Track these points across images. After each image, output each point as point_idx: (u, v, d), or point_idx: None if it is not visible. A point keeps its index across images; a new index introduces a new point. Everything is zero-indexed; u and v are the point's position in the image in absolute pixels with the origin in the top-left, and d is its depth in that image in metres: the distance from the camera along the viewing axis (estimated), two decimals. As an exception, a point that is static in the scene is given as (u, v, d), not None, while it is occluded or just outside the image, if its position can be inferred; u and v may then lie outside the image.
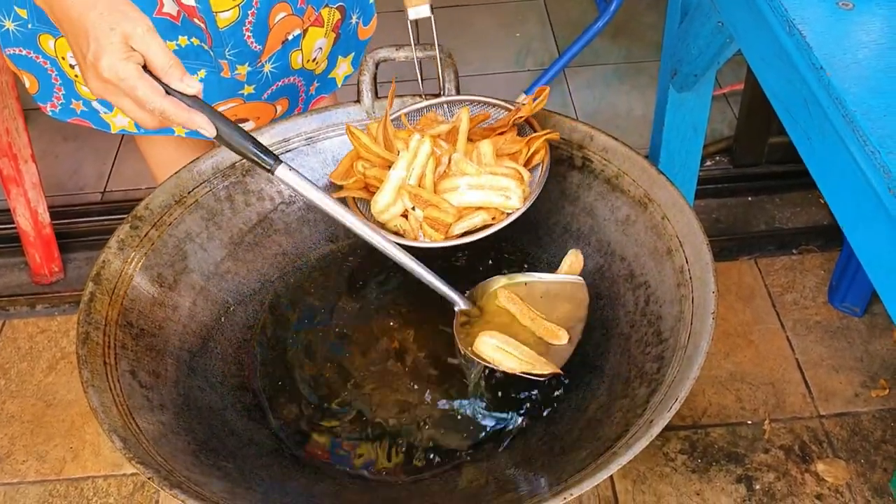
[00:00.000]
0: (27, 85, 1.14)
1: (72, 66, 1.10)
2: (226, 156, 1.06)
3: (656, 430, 0.73)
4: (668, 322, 0.86)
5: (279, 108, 1.18)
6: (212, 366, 0.95)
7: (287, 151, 1.09)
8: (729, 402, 1.52)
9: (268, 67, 1.11)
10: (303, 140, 1.10)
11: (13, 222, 1.78)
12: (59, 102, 1.15)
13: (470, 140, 1.00)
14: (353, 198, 1.00)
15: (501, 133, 1.02)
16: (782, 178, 1.86)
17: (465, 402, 0.91)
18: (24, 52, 1.11)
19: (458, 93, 1.10)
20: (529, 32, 2.43)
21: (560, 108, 2.17)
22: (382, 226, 0.96)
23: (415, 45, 1.09)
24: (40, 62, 1.11)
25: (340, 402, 0.92)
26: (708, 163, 1.93)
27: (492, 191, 0.93)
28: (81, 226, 1.90)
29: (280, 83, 1.15)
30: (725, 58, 1.02)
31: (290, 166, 0.85)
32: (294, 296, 1.03)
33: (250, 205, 1.07)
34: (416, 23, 1.06)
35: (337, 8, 1.17)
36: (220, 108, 1.13)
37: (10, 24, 1.08)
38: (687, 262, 0.88)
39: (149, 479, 0.73)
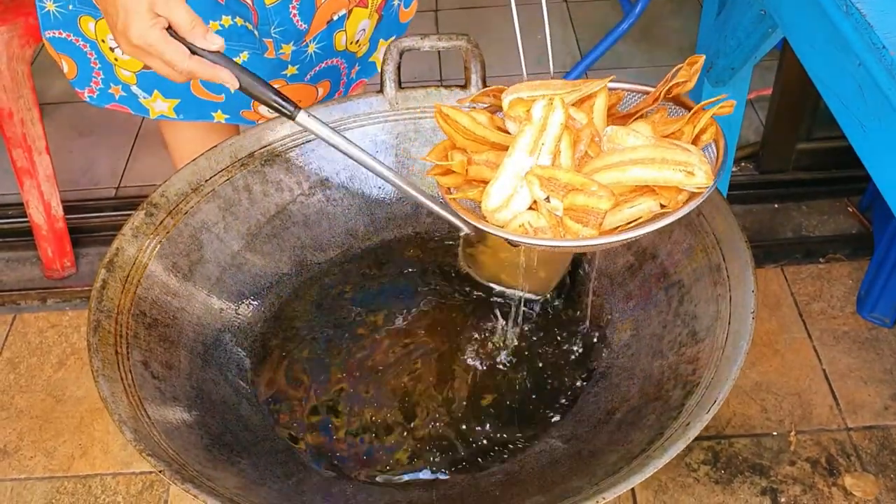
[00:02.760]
0: (65, 70, 1.12)
1: (111, 49, 1.08)
2: (244, 144, 1.03)
3: (693, 432, 0.69)
4: (704, 322, 0.82)
5: (321, 91, 1.16)
6: (226, 359, 0.92)
7: (307, 142, 1.06)
8: (754, 412, 1.47)
9: (312, 48, 1.09)
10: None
11: (26, 216, 1.76)
12: (98, 87, 1.14)
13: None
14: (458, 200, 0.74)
15: (642, 117, 0.77)
16: (809, 185, 1.82)
17: (491, 406, 0.87)
18: (63, 35, 1.09)
19: (484, 84, 1.07)
20: (551, 34, 2.40)
21: (581, 111, 2.13)
22: (501, 228, 0.71)
23: (439, 34, 1.06)
24: (80, 45, 1.09)
25: (359, 399, 0.88)
26: (734, 169, 1.89)
27: (667, 166, 0.66)
28: (94, 221, 1.87)
29: (323, 65, 1.13)
30: (766, 49, 0.98)
31: (309, 113, 0.85)
32: (311, 290, 1.00)
33: (269, 195, 1.04)
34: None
35: None
36: None
37: (51, 6, 1.07)
38: (724, 260, 0.84)
39: (160, 472, 0.70)
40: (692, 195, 0.69)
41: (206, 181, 1.00)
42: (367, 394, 0.89)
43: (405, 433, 0.86)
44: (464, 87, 1.07)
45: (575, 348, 0.91)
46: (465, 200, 0.76)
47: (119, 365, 0.80)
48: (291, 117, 0.85)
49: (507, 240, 0.71)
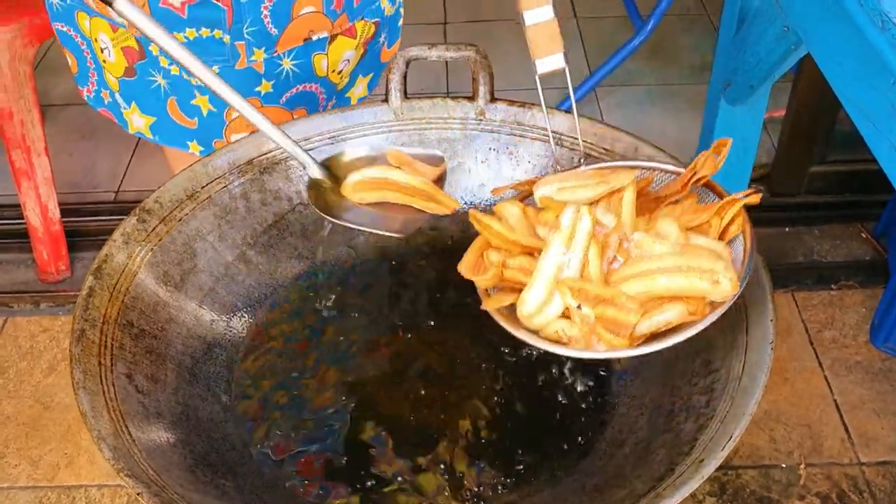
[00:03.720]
0: (69, 64, 1.10)
1: (102, 50, 1.04)
2: (243, 151, 0.99)
3: (708, 470, 0.65)
4: (719, 351, 0.78)
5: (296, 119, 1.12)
6: (215, 373, 0.88)
7: (308, 150, 1.02)
8: (762, 442, 1.43)
9: (287, 63, 1.05)
10: (325, 139, 1.04)
11: (23, 217, 1.73)
12: (93, 88, 1.11)
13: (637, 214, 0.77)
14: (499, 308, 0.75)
15: (674, 203, 0.79)
16: (822, 208, 1.79)
17: (492, 434, 0.82)
18: (64, 28, 1.07)
19: (492, 98, 1.04)
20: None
21: (591, 127, 2.10)
22: (536, 333, 0.72)
23: (447, 44, 1.02)
24: (78, 41, 1.07)
25: (352, 420, 0.84)
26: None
27: (694, 274, 0.68)
28: (92, 225, 1.84)
29: (301, 88, 1.09)
30: (786, 67, 0.95)
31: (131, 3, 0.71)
32: (308, 303, 0.96)
33: (266, 204, 1.00)
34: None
35: (373, 22, 1.11)
36: (235, 113, 1.07)
37: None
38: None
39: (138, 494, 0.66)
40: (718, 303, 0.70)
41: (203, 188, 0.96)
42: (362, 415, 0.85)
43: (398, 457, 0.81)
44: (471, 98, 1.03)
45: (582, 375, 0.87)
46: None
47: (102, 377, 0.76)
48: (109, 3, 0.70)
49: (541, 348, 0.72)
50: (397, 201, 0.83)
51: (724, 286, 0.68)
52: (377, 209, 0.82)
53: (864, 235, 1.75)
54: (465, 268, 0.77)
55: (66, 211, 1.76)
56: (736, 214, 0.75)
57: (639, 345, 0.70)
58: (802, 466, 1.39)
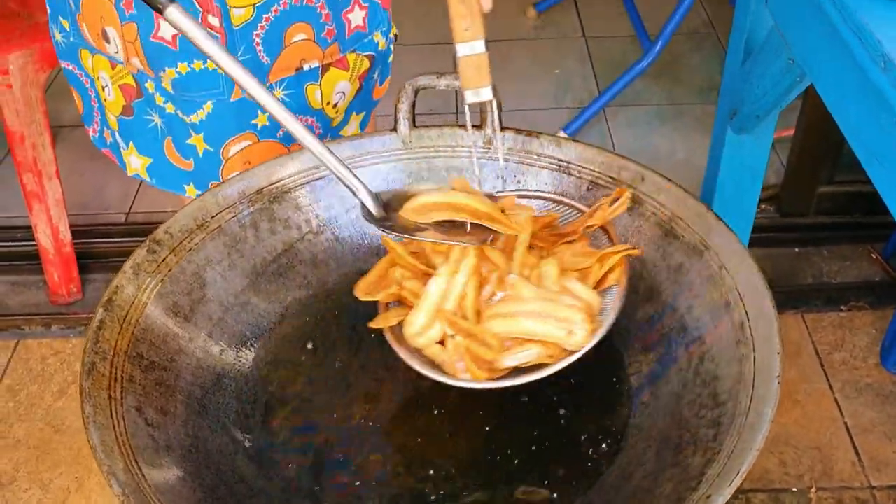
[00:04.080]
0: (76, 103, 1.10)
1: (103, 88, 1.05)
2: (253, 180, 1.00)
3: (715, 507, 0.65)
4: (726, 383, 0.78)
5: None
6: (224, 404, 0.88)
7: (317, 179, 1.03)
8: (772, 465, 1.42)
9: (279, 94, 1.05)
10: (335, 167, 1.04)
11: (34, 239, 1.74)
12: (97, 128, 1.11)
13: (533, 247, 0.85)
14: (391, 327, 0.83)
15: (569, 242, 0.87)
16: (831, 229, 1.78)
17: (499, 463, 0.82)
18: (70, 67, 1.07)
19: (501, 125, 1.04)
20: (569, 69, 2.38)
21: (599, 147, 2.10)
22: (419, 352, 0.81)
23: (455, 73, 1.03)
24: (82, 80, 1.07)
25: (362, 451, 0.84)
26: (753, 210, 1.86)
27: (552, 322, 0.76)
28: (103, 247, 1.86)
29: None
30: (793, 97, 0.95)
31: (184, 10, 0.74)
32: (316, 332, 0.96)
33: (276, 233, 1.01)
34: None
35: (366, 56, 1.11)
36: (232, 150, 1.07)
37: (58, 35, 1.05)
38: (748, 317, 0.80)
39: (147, 530, 0.67)
40: (568, 352, 0.77)
41: (213, 217, 0.97)
42: (372, 446, 0.85)
43: (408, 489, 0.82)
44: (479, 126, 1.04)
45: (591, 405, 0.87)
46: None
47: (112, 411, 0.77)
48: (161, 10, 0.73)
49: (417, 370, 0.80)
50: (463, 219, 0.84)
51: (577, 337, 0.76)
52: (441, 228, 0.84)
53: (873, 256, 1.74)
54: (360, 289, 0.85)
55: (77, 232, 1.77)
56: (617, 264, 0.81)
57: (500, 378, 0.77)
58: (813, 490, 1.38)
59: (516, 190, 0.99)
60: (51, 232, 1.71)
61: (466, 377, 0.78)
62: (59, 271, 1.75)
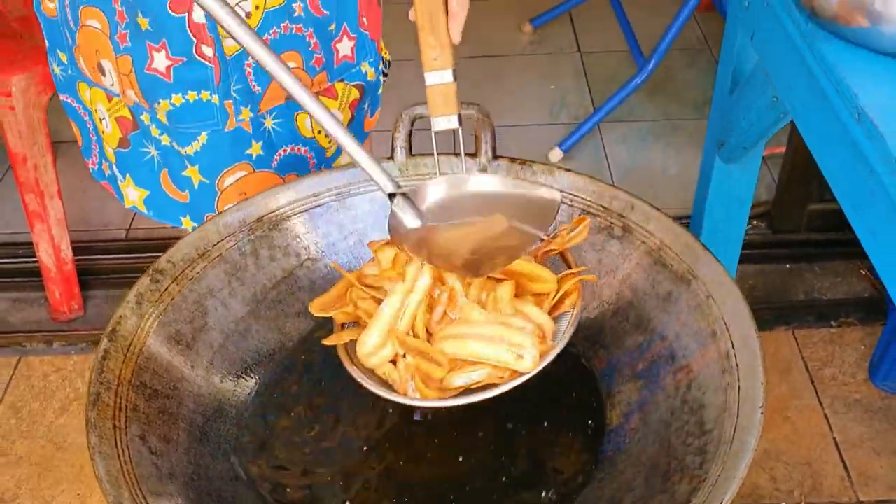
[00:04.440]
0: (75, 136, 1.12)
1: (101, 121, 1.07)
2: (253, 209, 1.02)
3: (700, 536, 0.67)
4: (712, 412, 0.80)
5: None
6: (225, 431, 0.90)
7: (316, 206, 1.06)
8: (763, 481, 1.44)
9: (269, 122, 1.06)
10: (332, 195, 1.07)
11: (35, 256, 1.76)
12: (96, 160, 1.12)
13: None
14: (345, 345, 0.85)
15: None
16: (822, 246, 1.81)
17: (489, 488, 0.85)
18: (68, 100, 1.08)
19: (494, 154, 1.07)
20: (564, 85, 2.41)
21: (594, 163, 2.13)
22: (371, 372, 0.82)
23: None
24: (80, 112, 1.08)
25: (360, 483, 0.87)
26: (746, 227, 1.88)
27: (502, 346, 0.77)
28: (104, 263, 1.88)
29: (288, 150, 1.10)
30: (778, 128, 0.97)
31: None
32: (316, 360, 0.98)
33: (275, 260, 1.03)
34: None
35: (355, 86, 1.12)
36: (228, 181, 1.09)
37: (56, 69, 1.06)
38: (733, 347, 0.83)
39: (152, 559, 0.69)
40: (519, 373, 0.79)
41: (214, 246, 0.99)
42: (371, 476, 0.87)
43: (405, 514, 0.84)
44: (474, 155, 1.06)
45: (580, 431, 0.89)
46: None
47: (117, 440, 0.79)
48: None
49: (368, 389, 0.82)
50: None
51: (526, 362, 0.77)
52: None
53: (863, 272, 1.77)
54: (315, 305, 0.87)
55: (77, 249, 1.79)
56: (571, 289, 0.82)
57: (451, 397, 0.78)
58: (803, 506, 1.41)
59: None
60: (52, 251, 1.73)
61: (416, 396, 0.80)
62: (60, 289, 1.77)
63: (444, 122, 0.91)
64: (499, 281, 0.85)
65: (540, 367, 0.78)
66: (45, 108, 1.62)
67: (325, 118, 0.80)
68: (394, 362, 0.82)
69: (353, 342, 0.84)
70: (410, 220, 0.85)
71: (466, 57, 2.47)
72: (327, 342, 0.85)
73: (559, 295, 0.83)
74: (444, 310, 0.82)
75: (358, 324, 0.87)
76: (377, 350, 0.80)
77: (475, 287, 0.84)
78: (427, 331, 0.82)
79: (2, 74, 1.55)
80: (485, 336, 0.77)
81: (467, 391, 0.79)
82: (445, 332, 0.80)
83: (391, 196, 0.84)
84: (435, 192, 0.89)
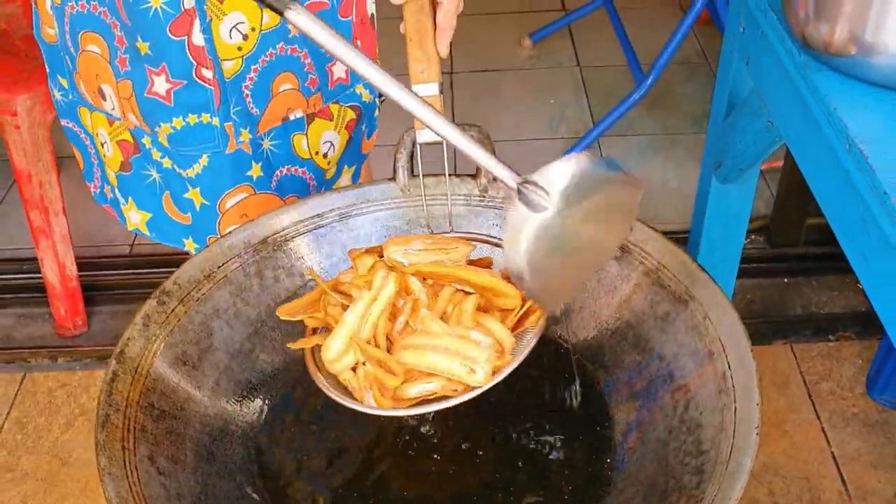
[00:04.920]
0: (77, 160, 1.13)
1: (102, 145, 1.08)
2: (257, 231, 1.04)
3: (697, 556, 0.69)
4: (709, 432, 0.82)
5: None
6: (231, 450, 0.92)
7: (319, 227, 1.07)
8: (761, 495, 1.46)
9: (266, 144, 1.08)
10: (336, 216, 1.09)
11: (40, 272, 1.78)
12: (98, 184, 1.13)
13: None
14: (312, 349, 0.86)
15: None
16: (820, 260, 1.83)
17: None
18: (69, 125, 1.09)
19: (495, 175, 1.08)
20: (564, 99, 2.43)
21: (593, 177, 2.14)
22: (334, 378, 0.83)
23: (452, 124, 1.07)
24: (82, 137, 1.09)
25: (369, 499, 0.88)
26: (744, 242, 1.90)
27: (457, 359, 0.78)
28: (108, 279, 1.89)
29: (285, 170, 1.12)
30: (773, 150, 0.99)
31: (304, 8, 0.68)
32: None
33: (280, 280, 1.05)
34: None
35: (350, 107, 1.13)
36: (229, 203, 1.10)
37: (57, 94, 1.08)
38: (730, 367, 0.84)
39: (161, 580, 0.70)
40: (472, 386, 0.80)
41: (219, 267, 1.01)
42: (377, 497, 0.88)
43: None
44: (474, 176, 1.08)
45: (579, 449, 0.91)
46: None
47: (126, 462, 0.81)
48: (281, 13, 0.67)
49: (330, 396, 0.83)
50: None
51: (478, 376, 0.78)
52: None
53: (860, 286, 1.78)
54: (283, 310, 0.89)
55: (82, 265, 1.81)
56: (535, 307, 0.83)
57: (406, 407, 0.80)
58: (801, 520, 1.42)
59: (452, 231, 1.00)
60: (57, 268, 1.75)
61: (373, 404, 0.81)
62: (65, 305, 1.79)
63: (429, 133, 0.91)
64: (466, 294, 0.86)
65: (493, 382, 0.79)
66: (50, 126, 1.64)
67: (435, 121, 0.73)
68: (354, 369, 0.83)
69: (320, 347, 0.85)
70: (541, 206, 0.73)
71: (466, 71, 2.49)
72: (293, 346, 0.87)
73: (522, 311, 0.84)
74: (405, 319, 0.83)
75: (328, 329, 0.88)
76: (340, 356, 0.82)
77: (443, 298, 0.85)
78: (389, 339, 0.84)
79: (7, 94, 1.57)
80: (442, 348, 0.79)
81: (422, 402, 0.80)
82: (406, 341, 0.81)
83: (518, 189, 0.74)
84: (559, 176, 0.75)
